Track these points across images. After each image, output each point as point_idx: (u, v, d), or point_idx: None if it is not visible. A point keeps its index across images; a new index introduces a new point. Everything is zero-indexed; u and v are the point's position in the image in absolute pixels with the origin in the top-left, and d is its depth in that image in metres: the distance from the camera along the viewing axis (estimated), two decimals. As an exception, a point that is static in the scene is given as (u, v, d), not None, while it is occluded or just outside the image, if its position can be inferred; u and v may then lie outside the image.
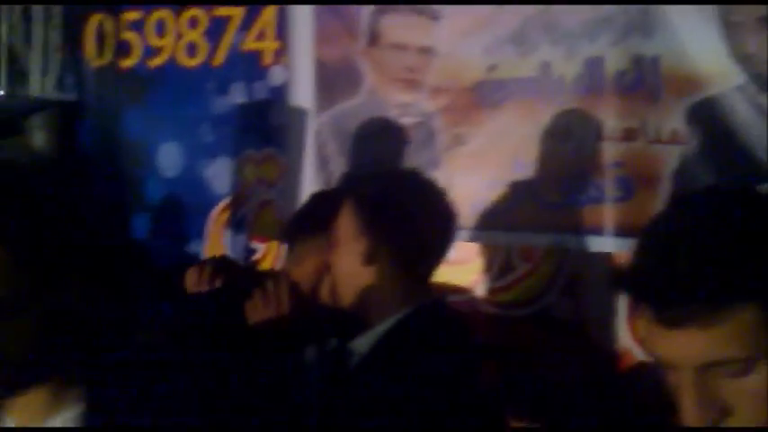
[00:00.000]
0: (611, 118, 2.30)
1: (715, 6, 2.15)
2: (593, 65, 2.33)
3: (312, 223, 1.86)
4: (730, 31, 2.14)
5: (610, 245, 2.33)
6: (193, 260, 2.47)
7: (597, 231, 2.35)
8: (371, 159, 2.70)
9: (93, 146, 3.41)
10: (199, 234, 3.10)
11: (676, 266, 0.84)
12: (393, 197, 1.62)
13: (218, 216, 3.09)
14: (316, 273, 1.78)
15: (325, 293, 1.75)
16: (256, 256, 2.98)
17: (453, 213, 1.73)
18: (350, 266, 1.62)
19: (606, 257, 2.35)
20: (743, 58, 2.13)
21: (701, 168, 2.20)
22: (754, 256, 0.83)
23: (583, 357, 2.37)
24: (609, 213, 2.33)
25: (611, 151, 2.31)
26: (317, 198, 2.13)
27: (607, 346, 2.34)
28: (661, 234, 0.89)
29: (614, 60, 2.29)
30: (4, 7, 3.44)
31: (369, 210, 1.59)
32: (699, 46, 2.18)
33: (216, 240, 3.09)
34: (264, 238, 2.97)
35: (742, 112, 2.14)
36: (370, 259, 1.59)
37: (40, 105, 3.39)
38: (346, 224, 1.62)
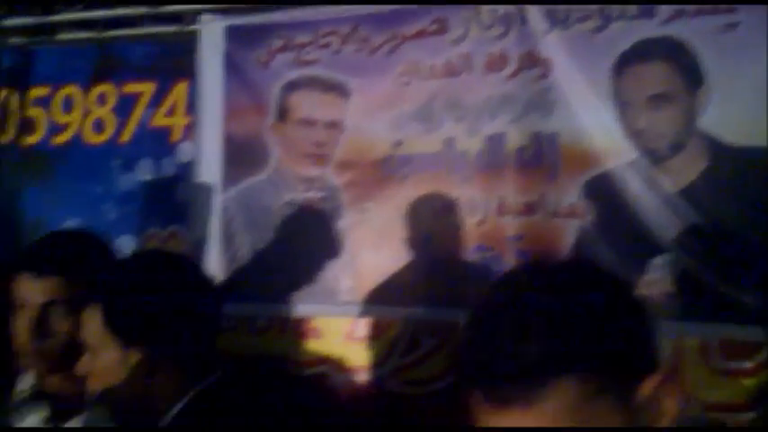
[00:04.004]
0: (511, 192, 2.32)
1: (609, 85, 2.23)
2: (495, 141, 2.37)
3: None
4: (622, 109, 2.22)
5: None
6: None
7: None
8: (278, 234, 2.65)
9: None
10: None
11: (497, 342, 0.81)
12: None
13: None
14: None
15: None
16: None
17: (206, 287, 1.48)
18: (108, 365, 1.36)
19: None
20: (635, 135, 2.21)
21: (597, 241, 2.23)
22: (572, 330, 0.81)
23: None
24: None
25: (511, 225, 2.32)
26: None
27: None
28: (484, 311, 0.86)
29: (514, 137, 2.34)
30: None
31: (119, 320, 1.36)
32: (594, 123, 2.24)
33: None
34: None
35: (635, 186, 2.19)
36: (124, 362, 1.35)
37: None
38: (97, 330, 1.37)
